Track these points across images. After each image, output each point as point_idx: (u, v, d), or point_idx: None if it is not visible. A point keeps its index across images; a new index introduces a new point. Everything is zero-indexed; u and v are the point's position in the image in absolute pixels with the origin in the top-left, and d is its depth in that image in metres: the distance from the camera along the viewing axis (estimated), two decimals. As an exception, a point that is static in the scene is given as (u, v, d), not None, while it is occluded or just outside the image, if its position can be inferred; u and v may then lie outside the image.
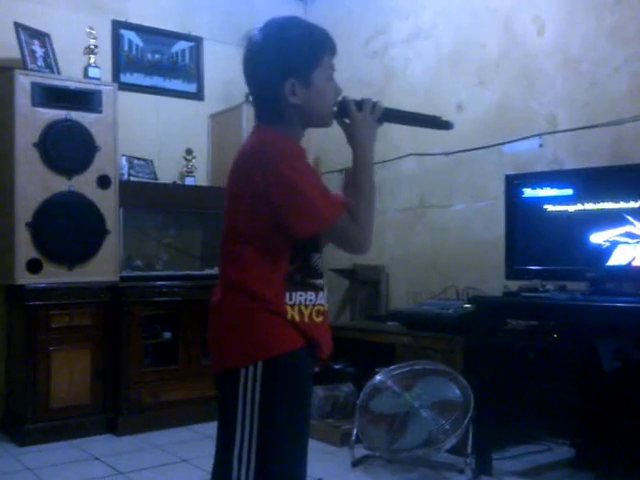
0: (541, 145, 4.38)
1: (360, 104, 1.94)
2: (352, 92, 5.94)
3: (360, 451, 3.96)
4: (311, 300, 1.87)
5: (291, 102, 1.86)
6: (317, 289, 1.89)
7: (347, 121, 1.96)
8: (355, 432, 3.94)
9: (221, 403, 1.91)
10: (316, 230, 1.82)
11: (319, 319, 1.89)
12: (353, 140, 1.93)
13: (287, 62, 1.86)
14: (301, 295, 1.85)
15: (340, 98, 1.96)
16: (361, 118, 1.93)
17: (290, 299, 1.83)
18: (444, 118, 2.01)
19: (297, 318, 1.83)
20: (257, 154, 1.84)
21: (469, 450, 3.69)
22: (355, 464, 3.90)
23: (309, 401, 1.96)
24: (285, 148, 1.84)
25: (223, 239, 1.92)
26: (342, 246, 1.88)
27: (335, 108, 1.95)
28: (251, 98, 1.98)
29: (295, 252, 1.85)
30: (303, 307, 1.85)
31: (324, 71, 1.90)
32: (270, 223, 1.81)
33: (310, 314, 1.86)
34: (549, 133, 4.37)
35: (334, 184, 6.22)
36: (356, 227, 1.83)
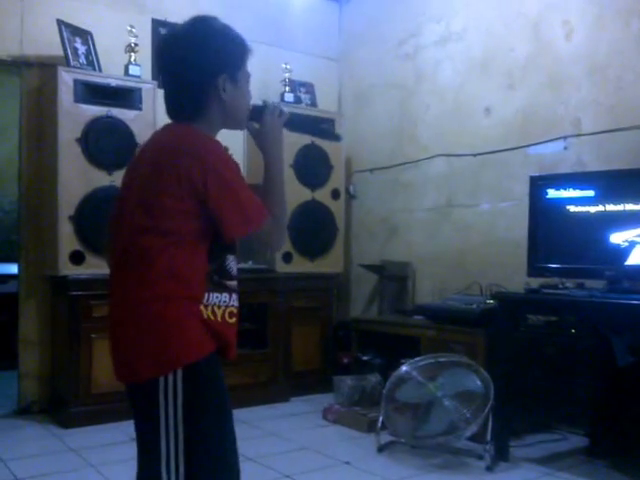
0: (565, 148, 4.45)
1: (263, 108, 1.98)
2: (383, 93, 6.21)
3: (385, 437, 4.08)
4: (225, 302, 1.86)
5: (221, 98, 1.87)
6: (231, 291, 1.89)
7: (256, 125, 1.99)
8: (381, 419, 4.07)
9: (138, 413, 1.89)
10: (247, 232, 1.81)
11: (232, 320, 1.88)
12: (266, 142, 1.96)
13: (224, 57, 1.88)
14: (217, 297, 1.84)
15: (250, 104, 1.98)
16: (271, 122, 1.96)
17: (207, 299, 1.81)
18: (336, 132, 2.07)
19: (212, 317, 1.81)
20: (186, 150, 1.77)
21: (488, 438, 3.79)
22: (380, 449, 4.02)
23: (228, 401, 1.89)
24: (220, 151, 1.81)
25: (126, 237, 1.83)
26: (262, 245, 1.98)
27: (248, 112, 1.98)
28: (165, 92, 1.93)
29: (213, 253, 1.83)
30: (217, 307, 1.83)
31: (245, 72, 1.94)
32: (195, 221, 1.77)
33: (223, 315, 1.85)
34: (574, 136, 4.42)
35: (364, 182, 6.35)
36: (277, 230, 1.88)
